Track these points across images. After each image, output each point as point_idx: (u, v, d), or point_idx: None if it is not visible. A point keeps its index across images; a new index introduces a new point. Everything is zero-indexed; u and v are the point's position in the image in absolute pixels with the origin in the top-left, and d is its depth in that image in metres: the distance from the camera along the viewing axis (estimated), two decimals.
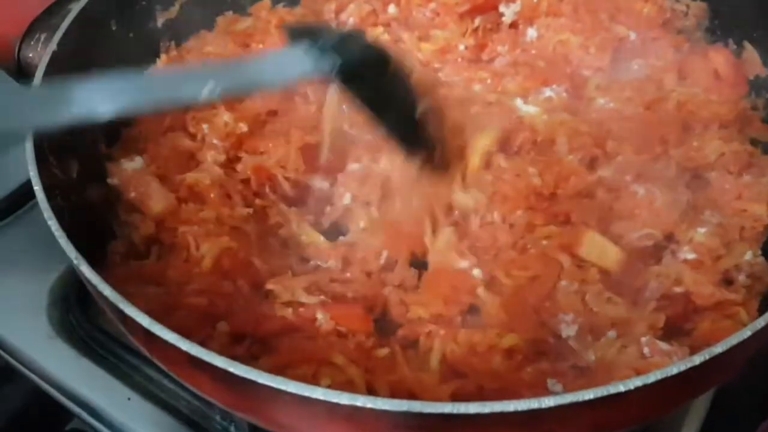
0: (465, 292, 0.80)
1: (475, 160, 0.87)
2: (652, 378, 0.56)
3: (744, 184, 0.87)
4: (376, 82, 0.76)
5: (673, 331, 0.76)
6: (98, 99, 0.66)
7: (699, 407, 0.90)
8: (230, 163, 0.95)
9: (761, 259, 0.82)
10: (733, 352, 0.59)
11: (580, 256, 0.79)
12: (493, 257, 0.82)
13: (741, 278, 0.80)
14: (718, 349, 0.58)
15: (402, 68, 0.79)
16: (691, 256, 0.80)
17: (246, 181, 0.93)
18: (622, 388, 0.56)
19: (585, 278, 0.77)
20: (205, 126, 0.96)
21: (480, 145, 0.87)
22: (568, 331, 0.75)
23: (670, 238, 0.84)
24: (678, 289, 0.79)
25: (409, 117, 0.79)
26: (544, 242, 0.80)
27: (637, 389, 0.56)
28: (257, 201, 0.91)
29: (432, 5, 1.13)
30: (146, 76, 0.84)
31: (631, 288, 0.79)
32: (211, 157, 0.94)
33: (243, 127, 0.96)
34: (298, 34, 0.76)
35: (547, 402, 0.55)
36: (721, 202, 0.86)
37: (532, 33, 1.09)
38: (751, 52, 1.03)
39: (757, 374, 0.90)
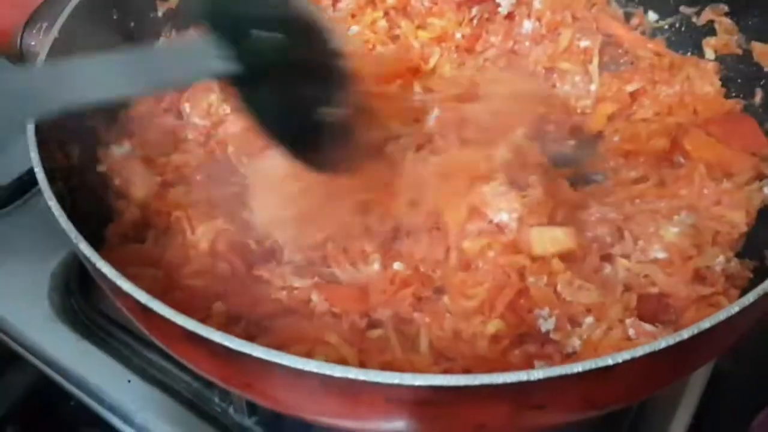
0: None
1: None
2: (640, 351, 0.57)
3: (724, 191, 0.87)
4: (278, 83, 0.66)
5: (656, 320, 0.76)
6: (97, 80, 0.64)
7: (693, 391, 0.91)
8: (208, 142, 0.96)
9: (735, 261, 0.82)
10: (721, 328, 0.60)
11: (536, 255, 0.78)
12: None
13: (715, 276, 0.80)
14: (706, 324, 0.58)
15: (324, 49, 0.68)
16: (661, 255, 0.80)
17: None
18: (610, 362, 0.56)
19: (551, 270, 0.77)
20: (186, 105, 0.98)
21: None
22: (547, 325, 0.75)
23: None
24: (653, 290, 0.79)
25: (310, 117, 0.68)
26: (491, 254, 0.79)
27: (626, 362, 0.56)
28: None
29: None
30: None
31: (599, 275, 0.79)
32: (192, 137, 0.95)
33: (226, 108, 0.97)
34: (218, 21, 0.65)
35: (536, 374, 0.56)
36: (699, 206, 0.86)
37: (528, 25, 1.10)
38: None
39: (752, 359, 0.92)
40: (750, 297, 0.60)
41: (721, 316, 0.59)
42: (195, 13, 0.67)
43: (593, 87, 1.04)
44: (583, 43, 1.07)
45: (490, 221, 0.81)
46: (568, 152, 0.98)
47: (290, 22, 0.67)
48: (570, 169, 0.94)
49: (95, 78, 0.64)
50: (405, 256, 0.83)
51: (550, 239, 0.79)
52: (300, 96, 0.68)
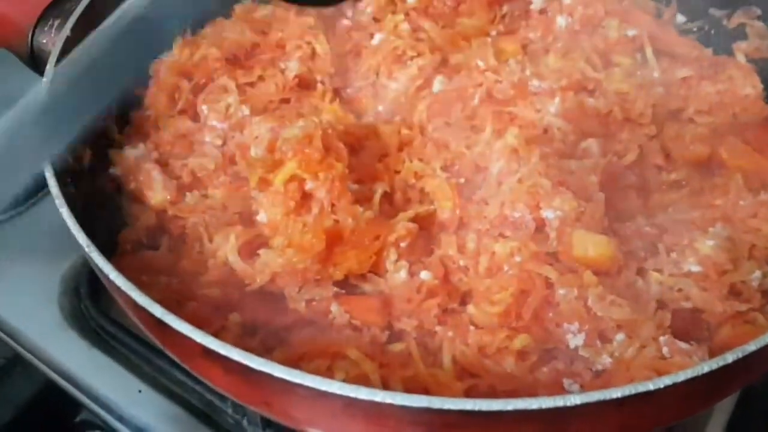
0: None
1: None
2: (682, 376, 0.54)
3: (761, 203, 0.84)
4: None
5: (689, 337, 0.73)
6: None
7: (724, 409, 0.88)
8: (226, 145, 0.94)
9: None
10: (764, 351, 0.57)
11: (574, 257, 0.76)
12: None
13: (751, 292, 0.77)
14: (752, 347, 0.56)
15: None
16: (695, 268, 0.77)
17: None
18: (651, 387, 0.54)
19: (582, 283, 0.74)
20: (204, 107, 0.95)
21: None
22: (576, 341, 0.73)
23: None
24: (686, 305, 0.76)
25: None
26: (518, 258, 0.76)
27: (667, 388, 0.54)
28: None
29: None
30: None
31: (632, 290, 0.76)
32: (210, 140, 0.93)
33: (245, 111, 0.94)
34: None
35: (573, 400, 0.53)
36: (734, 217, 0.83)
37: (561, 21, 1.07)
38: None
39: None
40: None
41: (767, 339, 0.56)
42: None
43: (656, 74, 1.00)
44: (630, 32, 1.04)
45: (533, 217, 0.79)
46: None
47: None
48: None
49: None
50: (433, 264, 0.80)
51: (593, 243, 0.77)
52: None
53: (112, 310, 1.02)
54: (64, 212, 0.70)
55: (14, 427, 1.03)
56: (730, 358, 0.55)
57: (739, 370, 0.58)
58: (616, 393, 0.53)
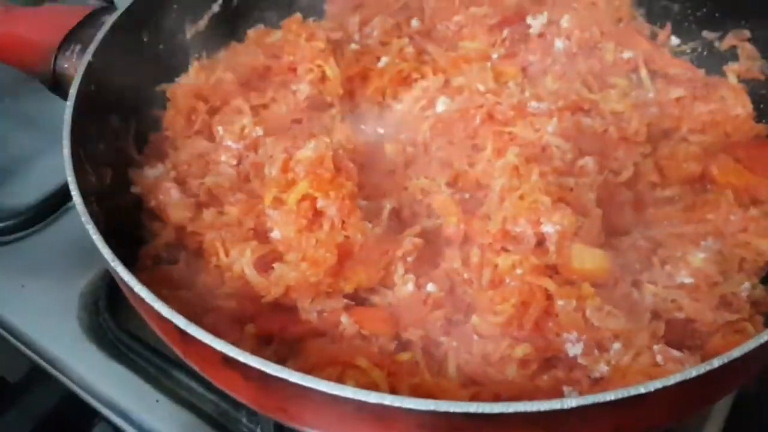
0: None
1: None
2: (671, 381, 0.58)
3: (751, 218, 0.87)
4: None
5: (682, 345, 0.77)
6: None
7: (718, 415, 0.91)
8: (241, 164, 0.98)
9: (760, 288, 0.83)
10: (751, 355, 0.61)
11: (573, 270, 0.80)
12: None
13: (741, 303, 0.81)
14: (736, 353, 0.59)
15: None
16: (688, 280, 0.81)
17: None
18: (642, 390, 0.57)
19: (580, 294, 0.77)
20: (219, 128, 0.99)
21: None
22: (575, 350, 0.76)
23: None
24: (679, 315, 0.80)
25: None
26: (519, 271, 0.80)
27: (657, 391, 0.57)
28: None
29: (456, 18, 1.15)
30: None
31: (628, 302, 0.80)
32: (226, 159, 0.97)
33: (259, 131, 0.98)
34: None
35: (569, 403, 0.57)
36: (725, 232, 0.87)
37: (559, 44, 1.11)
38: None
39: None
40: None
41: (752, 344, 0.60)
42: None
43: (651, 95, 1.05)
44: (626, 54, 1.08)
45: (534, 232, 0.83)
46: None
47: None
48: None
49: None
50: (439, 277, 0.84)
51: (590, 256, 0.81)
52: None
53: (130, 324, 1.05)
54: (90, 229, 0.74)
55: None
56: (716, 363, 0.59)
57: (726, 375, 0.61)
58: (609, 396, 0.57)
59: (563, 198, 0.85)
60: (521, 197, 0.86)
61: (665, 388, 0.57)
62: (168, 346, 0.76)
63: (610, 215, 0.89)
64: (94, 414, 1.02)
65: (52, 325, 1.07)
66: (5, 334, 1.08)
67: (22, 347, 1.07)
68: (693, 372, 0.58)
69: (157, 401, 0.98)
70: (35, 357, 1.05)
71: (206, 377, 0.74)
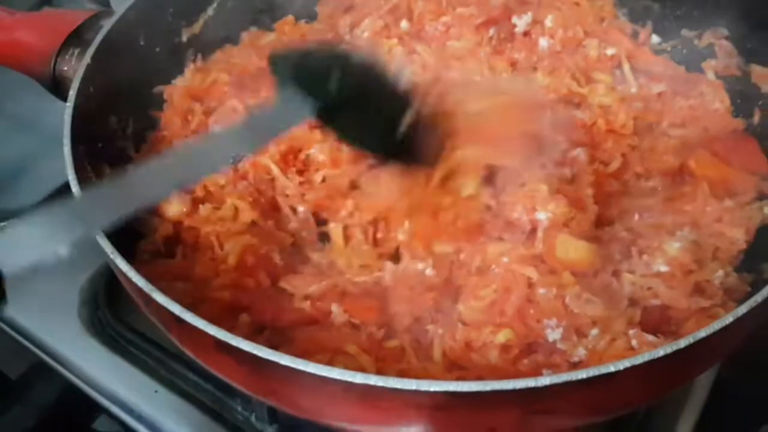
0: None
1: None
2: (640, 359, 0.61)
3: (725, 209, 0.91)
4: (358, 111, 0.77)
5: (658, 331, 0.80)
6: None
7: (696, 400, 0.94)
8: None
9: (734, 276, 0.86)
10: (717, 337, 0.64)
11: (556, 259, 0.83)
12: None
13: (714, 289, 0.84)
14: (702, 333, 0.63)
15: (386, 81, 0.80)
16: (663, 268, 0.84)
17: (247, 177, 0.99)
18: (612, 369, 0.61)
19: (560, 283, 0.81)
20: (215, 126, 1.02)
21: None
22: (554, 335, 0.79)
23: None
24: (656, 302, 0.83)
25: (392, 131, 0.79)
26: (505, 259, 0.83)
27: (627, 370, 0.61)
28: (261, 199, 0.97)
29: (444, 19, 1.18)
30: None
31: (606, 290, 0.83)
32: None
33: None
34: (282, 66, 0.78)
35: (543, 381, 0.60)
36: (701, 222, 0.90)
37: (543, 42, 1.14)
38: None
39: (754, 368, 0.95)
40: (743, 308, 0.64)
41: (716, 326, 0.63)
42: (281, 76, 0.77)
43: (634, 90, 1.08)
44: (609, 51, 1.12)
45: (529, 219, 0.86)
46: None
47: (353, 65, 0.80)
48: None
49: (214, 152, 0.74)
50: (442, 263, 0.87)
51: (574, 247, 0.84)
52: (377, 116, 0.80)
53: (129, 318, 1.09)
54: None
55: (39, 429, 1.10)
56: (683, 343, 0.62)
57: (694, 354, 0.65)
58: (581, 374, 0.60)
59: (561, 189, 0.88)
60: (521, 185, 0.89)
61: (633, 367, 0.61)
62: (165, 338, 0.79)
63: (599, 206, 0.92)
64: (96, 406, 1.05)
65: (54, 321, 1.10)
66: (7, 329, 1.11)
67: (24, 341, 1.10)
68: (660, 351, 0.61)
69: (156, 391, 1.01)
70: (38, 352, 1.08)
71: (201, 363, 0.77)
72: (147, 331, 1.06)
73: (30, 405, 1.13)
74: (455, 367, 0.80)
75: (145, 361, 1.05)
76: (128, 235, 0.93)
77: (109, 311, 1.11)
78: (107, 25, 1.01)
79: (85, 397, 1.05)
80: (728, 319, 0.64)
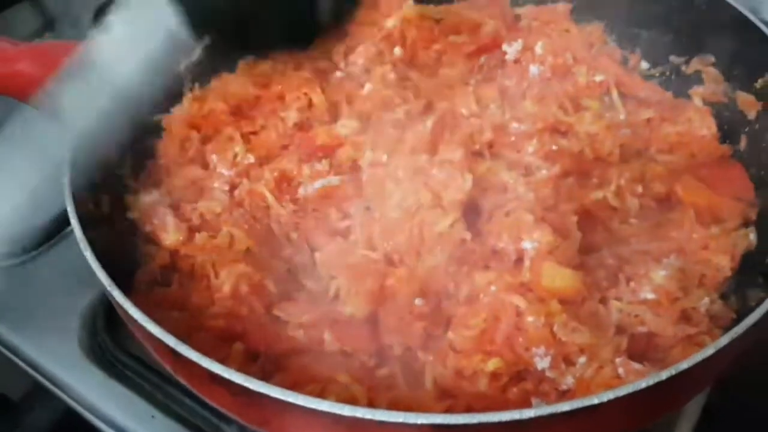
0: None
1: None
2: (623, 391, 0.62)
3: (711, 236, 0.92)
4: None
5: (645, 358, 0.81)
6: None
7: (687, 423, 0.95)
8: (233, 190, 1.03)
9: (719, 303, 0.88)
10: (699, 368, 0.65)
11: (543, 286, 0.84)
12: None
13: (700, 317, 0.86)
14: (684, 365, 0.64)
15: None
16: (650, 296, 0.86)
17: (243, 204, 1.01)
18: (596, 401, 0.62)
19: (548, 311, 0.82)
20: (213, 156, 1.05)
21: None
22: (543, 363, 0.80)
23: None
24: (642, 329, 0.85)
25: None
26: (493, 288, 0.85)
27: (610, 402, 0.62)
28: (257, 226, 0.99)
29: (436, 46, 1.21)
30: None
31: (594, 317, 0.85)
32: (219, 185, 1.02)
33: (251, 158, 1.04)
34: None
35: (528, 413, 0.62)
36: (687, 249, 0.92)
37: (533, 69, 1.17)
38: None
39: (742, 395, 0.97)
40: (724, 339, 0.66)
41: (698, 357, 0.65)
42: None
43: (622, 116, 1.10)
44: (598, 78, 1.14)
45: (515, 248, 0.88)
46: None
47: None
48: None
49: None
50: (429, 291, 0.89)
51: (560, 275, 0.85)
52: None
53: (127, 343, 1.10)
54: (88, 255, 0.79)
55: None
56: (664, 375, 0.63)
57: (677, 385, 0.66)
58: (565, 407, 0.62)
59: (545, 217, 0.90)
60: (507, 214, 0.91)
61: (617, 399, 0.62)
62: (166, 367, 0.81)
63: (584, 233, 0.93)
64: (94, 430, 1.06)
65: (53, 345, 1.11)
66: (6, 352, 1.13)
67: (24, 366, 1.12)
68: (642, 383, 0.63)
69: (153, 417, 1.02)
70: (36, 375, 1.10)
71: (197, 393, 0.78)
72: (145, 356, 1.07)
73: (28, 428, 1.15)
74: (446, 396, 0.81)
75: (143, 386, 1.05)
76: (126, 265, 0.95)
77: (109, 337, 1.12)
78: None
79: (84, 421, 1.07)
80: (710, 350, 0.65)
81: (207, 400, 0.78)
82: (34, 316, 1.15)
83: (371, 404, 0.79)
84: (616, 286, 0.88)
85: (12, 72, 1.06)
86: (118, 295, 0.75)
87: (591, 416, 0.64)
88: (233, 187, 1.03)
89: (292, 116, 1.11)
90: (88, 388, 1.07)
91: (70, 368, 1.09)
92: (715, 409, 0.97)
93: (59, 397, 1.08)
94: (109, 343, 1.11)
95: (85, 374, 1.08)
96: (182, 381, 0.79)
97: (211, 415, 1.00)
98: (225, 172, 1.04)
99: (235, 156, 1.05)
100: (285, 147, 1.09)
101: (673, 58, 1.15)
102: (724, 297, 0.89)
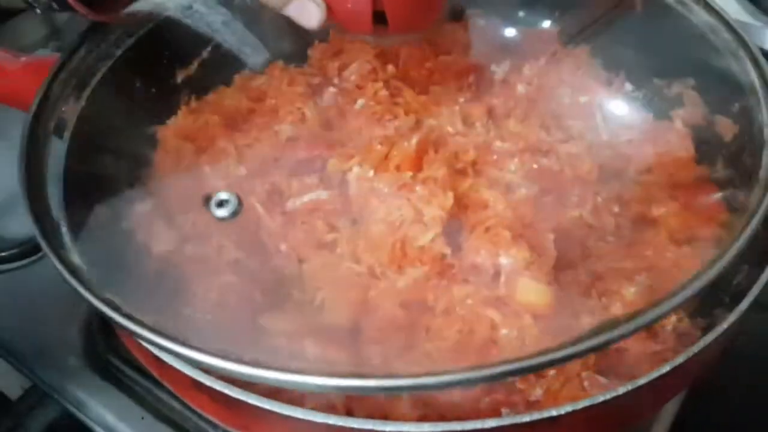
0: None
1: None
2: (580, 405, 0.66)
3: (683, 255, 0.95)
4: None
5: (613, 373, 0.84)
6: None
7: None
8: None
9: (686, 321, 0.90)
10: (658, 383, 0.68)
11: (517, 301, 0.87)
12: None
13: (666, 334, 0.88)
14: (641, 381, 0.67)
15: None
16: (620, 312, 0.88)
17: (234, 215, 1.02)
18: (554, 413, 0.65)
19: (521, 325, 0.84)
20: (206, 168, 1.07)
21: None
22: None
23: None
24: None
25: None
26: (469, 301, 0.87)
27: (568, 414, 0.65)
28: (246, 237, 1.00)
29: (427, 65, 1.24)
30: None
31: (565, 332, 0.86)
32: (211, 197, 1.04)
33: (243, 171, 1.07)
34: None
35: (490, 423, 0.65)
36: (659, 267, 0.94)
37: (521, 89, 1.20)
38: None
39: (713, 409, 0.99)
40: (680, 358, 0.69)
41: (654, 374, 0.68)
42: None
43: (604, 137, 1.12)
44: (583, 99, 1.16)
45: (492, 263, 0.90)
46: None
47: None
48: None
49: None
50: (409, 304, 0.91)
51: (535, 291, 0.88)
52: None
53: (121, 347, 1.14)
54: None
55: None
56: (621, 390, 0.67)
57: (637, 399, 0.69)
58: (525, 418, 0.65)
59: (523, 234, 0.93)
60: (486, 230, 0.94)
61: (575, 411, 0.65)
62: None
63: (561, 250, 0.96)
64: (88, 430, 1.10)
65: (49, 348, 1.16)
66: (6, 355, 1.17)
67: (21, 368, 1.15)
68: (600, 397, 0.66)
69: (142, 418, 1.06)
70: (33, 377, 1.14)
71: (182, 399, 0.82)
72: (137, 361, 1.10)
73: (24, 429, 1.18)
74: (421, 404, 0.84)
75: (134, 389, 1.10)
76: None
77: (103, 340, 1.16)
78: (103, 68, 1.07)
79: (78, 422, 1.10)
80: (665, 368, 0.68)
81: (192, 406, 0.81)
82: (31, 320, 1.19)
83: (349, 411, 0.82)
84: (588, 302, 0.91)
85: (13, 84, 1.10)
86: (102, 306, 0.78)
87: (551, 428, 0.67)
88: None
89: (285, 129, 1.14)
90: (83, 389, 1.11)
91: (65, 371, 1.13)
92: (689, 415, 0.99)
93: (55, 400, 1.12)
94: (103, 346, 1.15)
95: (80, 376, 1.12)
96: (168, 387, 0.82)
97: (198, 418, 1.04)
98: (218, 183, 1.07)
99: (228, 168, 1.08)
100: (277, 160, 1.13)
101: (656, 81, 1.17)
102: (691, 316, 0.92)
